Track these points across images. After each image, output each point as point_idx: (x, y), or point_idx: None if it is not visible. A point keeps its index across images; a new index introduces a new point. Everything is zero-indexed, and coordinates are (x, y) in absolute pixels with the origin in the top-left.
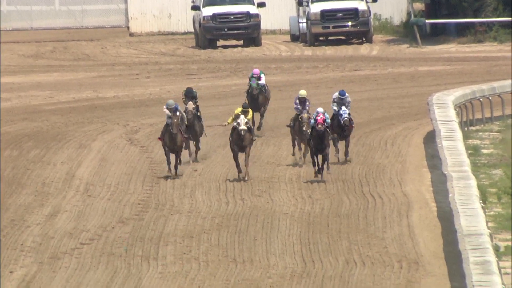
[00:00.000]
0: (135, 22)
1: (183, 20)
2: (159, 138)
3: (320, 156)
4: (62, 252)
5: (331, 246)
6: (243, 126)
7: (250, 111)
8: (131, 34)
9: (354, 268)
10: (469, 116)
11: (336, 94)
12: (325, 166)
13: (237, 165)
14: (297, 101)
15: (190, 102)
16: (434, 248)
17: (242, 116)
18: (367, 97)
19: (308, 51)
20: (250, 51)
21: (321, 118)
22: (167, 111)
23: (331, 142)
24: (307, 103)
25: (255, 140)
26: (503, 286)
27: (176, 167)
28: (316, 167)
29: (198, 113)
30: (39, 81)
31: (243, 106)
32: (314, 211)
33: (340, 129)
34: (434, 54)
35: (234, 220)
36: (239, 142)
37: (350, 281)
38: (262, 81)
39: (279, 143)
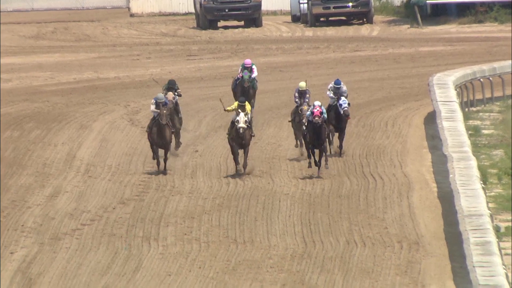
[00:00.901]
0: (136, 3)
1: (184, 1)
2: (148, 135)
3: (317, 151)
4: (62, 233)
5: (332, 227)
6: (242, 124)
7: (248, 104)
8: (132, 15)
9: (355, 248)
10: (470, 97)
11: (332, 83)
12: (323, 161)
13: (236, 160)
14: (297, 93)
15: (170, 92)
16: (434, 229)
17: (241, 114)
18: (367, 77)
19: (309, 32)
20: (251, 32)
21: (317, 110)
22: (152, 107)
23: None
24: (307, 95)
25: (254, 136)
26: (504, 266)
27: (165, 162)
28: (313, 161)
29: (177, 106)
30: (40, 62)
31: (239, 101)
32: (315, 192)
33: (337, 120)
34: (435, 35)
35: (235, 201)
36: (238, 140)
37: (350, 262)
38: (255, 73)
39: (280, 124)
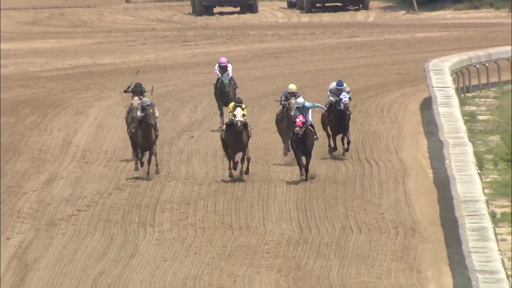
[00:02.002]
0: None
1: None
2: (131, 137)
3: (304, 158)
4: (58, 218)
5: (328, 213)
6: (239, 118)
7: (244, 105)
8: (127, 1)
9: (351, 234)
10: (466, 83)
11: (333, 84)
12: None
13: (232, 165)
14: (283, 97)
15: (136, 98)
16: (430, 215)
17: (238, 108)
18: (363, 63)
19: (305, 18)
20: (247, 18)
21: (300, 120)
22: (135, 102)
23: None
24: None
25: (251, 136)
26: (500, 252)
27: (149, 165)
28: (302, 169)
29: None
30: (36, 48)
31: (235, 101)
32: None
33: (338, 119)
34: (431, 21)
35: (231, 187)
36: (236, 138)
37: (346, 247)
38: (229, 71)
39: (276, 110)
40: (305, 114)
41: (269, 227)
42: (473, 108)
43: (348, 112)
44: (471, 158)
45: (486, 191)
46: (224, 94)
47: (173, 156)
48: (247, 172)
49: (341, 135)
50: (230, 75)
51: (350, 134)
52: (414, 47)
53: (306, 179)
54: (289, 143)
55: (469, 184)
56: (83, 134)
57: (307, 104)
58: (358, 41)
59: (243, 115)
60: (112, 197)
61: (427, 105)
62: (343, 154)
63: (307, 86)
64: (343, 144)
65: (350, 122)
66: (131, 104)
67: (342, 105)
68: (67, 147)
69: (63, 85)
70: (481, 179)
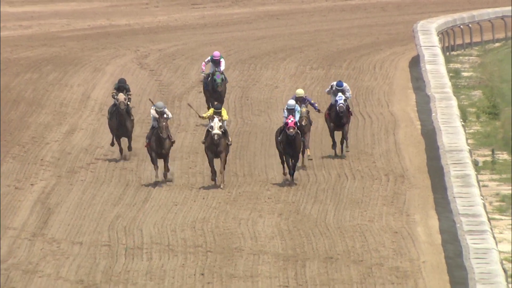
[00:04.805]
0: None
1: None
2: (146, 144)
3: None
4: (78, 166)
5: (324, 161)
6: (216, 131)
7: (224, 111)
8: None
9: (345, 181)
10: (451, 42)
11: (333, 84)
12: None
13: (212, 172)
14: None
15: (121, 94)
16: (418, 163)
17: (216, 119)
18: (357, 24)
19: None
20: None
21: (292, 121)
22: (153, 112)
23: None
24: (306, 102)
25: (230, 144)
26: (482, 197)
27: (165, 175)
28: (287, 170)
29: (129, 107)
30: (57, 10)
31: (215, 108)
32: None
33: (337, 117)
34: None
35: (235, 137)
36: (213, 147)
37: (341, 193)
38: (222, 66)
39: (277, 67)
40: (294, 116)
41: (270, 174)
42: (457, 65)
43: (349, 114)
44: (456, 111)
45: (469, 141)
46: (217, 92)
47: (183, 110)
48: (222, 177)
49: (341, 135)
50: (222, 68)
51: (347, 132)
52: (403, 10)
53: (292, 180)
54: (276, 145)
55: (453, 135)
56: (100, 89)
57: (298, 109)
58: (352, 4)
59: (220, 127)
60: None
61: (415, 62)
62: (342, 152)
63: (306, 46)
64: (341, 145)
65: (349, 124)
66: (117, 100)
67: (337, 107)
68: (86, 101)
69: (82, 44)
70: (464, 130)
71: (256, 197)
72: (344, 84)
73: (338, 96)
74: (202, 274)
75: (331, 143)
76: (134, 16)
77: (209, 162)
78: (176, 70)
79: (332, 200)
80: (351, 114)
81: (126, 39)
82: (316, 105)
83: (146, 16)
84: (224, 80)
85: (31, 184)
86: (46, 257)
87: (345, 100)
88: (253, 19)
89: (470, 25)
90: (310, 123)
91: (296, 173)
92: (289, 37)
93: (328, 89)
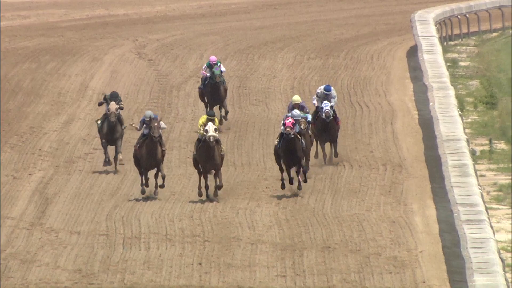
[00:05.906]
0: None
1: None
2: (134, 155)
3: (293, 169)
4: (76, 156)
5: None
6: (212, 133)
7: (216, 120)
8: None
9: (343, 170)
10: (448, 32)
11: (321, 88)
12: (301, 177)
13: (200, 187)
14: (288, 109)
15: (113, 103)
16: (416, 152)
17: (210, 123)
18: (355, 14)
19: None
20: None
21: (290, 121)
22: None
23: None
24: (305, 108)
25: (223, 154)
26: (479, 187)
27: (156, 186)
28: (287, 179)
29: (120, 117)
30: (56, 0)
31: (208, 114)
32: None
33: (323, 127)
34: None
35: (233, 127)
36: (208, 155)
37: (339, 182)
38: (223, 69)
39: (275, 57)
40: (330, 101)
41: (268, 164)
42: (455, 55)
43: (337, 123)
44: (453, 101)
45: (467, 130)
46: (214, 90)
47: (181, 99)
48: (218, 183)
49: (329, 143)
50: (223, 70)
51: (337, 144)
52: (401, 0)
53: (299, 189)
54: (274, 151)
55: (451, 125)
56: (98, 79)
57: (327, 101)
58: None
59: (216, 130)
60: (125, 137)
61: (413, 52)
62: (331, 161)
63: (303, 35)
64: (331, 151)
65: (338, 131)
66: (108, 110)
67: (323, 114)
68: (84, 90)
69: (80, 34)
70: (462, 119)
71: (254, 186)
72: (332, 89)
73: (324, 103)
74: (200, 264)
75: (315, 151)
76: (132, 6)
77: (199, 174)
78: (174, 60)
79: (329, 190)
80: (339, 123)
81: (124, 29)
82: (310, 116)
83: (144, 6)
84: (223, 79)
85: (29, 174)
86: (44, 246)
87: (331, 107)
88: (251, 9)
89: (467, 15)
90: (310, 137)
91: (292, 171)
92: (287, 27)
93: (314, 96)
